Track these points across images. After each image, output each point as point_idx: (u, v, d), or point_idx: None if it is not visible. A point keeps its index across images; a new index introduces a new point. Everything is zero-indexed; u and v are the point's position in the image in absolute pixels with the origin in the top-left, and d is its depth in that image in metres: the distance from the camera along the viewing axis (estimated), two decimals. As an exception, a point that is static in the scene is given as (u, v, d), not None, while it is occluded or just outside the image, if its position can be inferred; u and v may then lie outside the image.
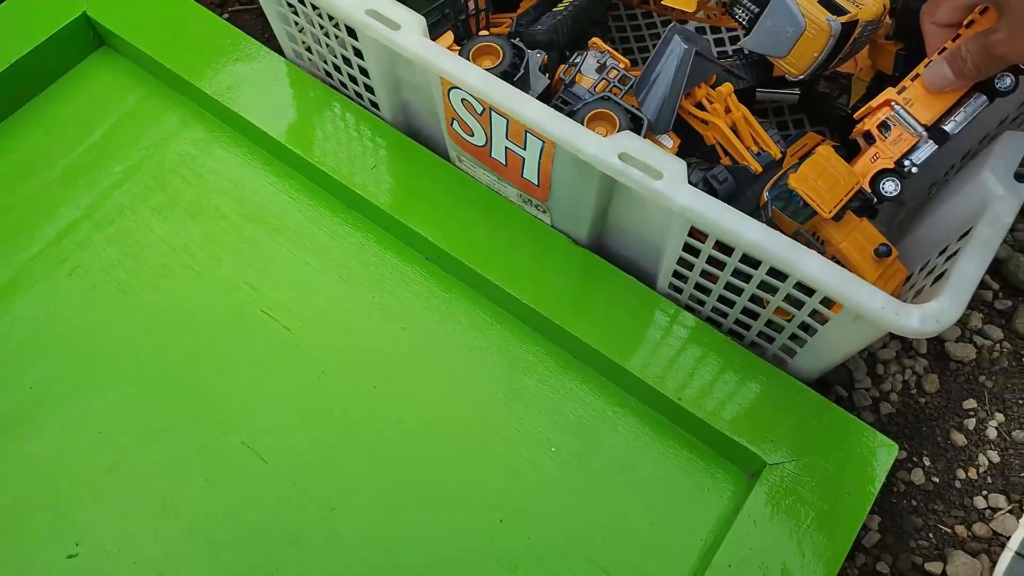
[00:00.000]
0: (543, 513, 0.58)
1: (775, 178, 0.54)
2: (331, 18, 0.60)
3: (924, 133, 0.52)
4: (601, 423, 0.61)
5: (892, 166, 0.52)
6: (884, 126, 0.53)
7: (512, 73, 0.57)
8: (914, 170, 0.52)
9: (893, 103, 0.53)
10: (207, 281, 0.65)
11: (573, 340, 0.61)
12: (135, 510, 0.57)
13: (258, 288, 0.65)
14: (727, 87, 0.56)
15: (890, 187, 0.51)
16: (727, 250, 0.52)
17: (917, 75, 0.54)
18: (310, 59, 0.70)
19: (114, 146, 0.72)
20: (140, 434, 0.59)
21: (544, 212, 0.63)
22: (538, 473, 0.59)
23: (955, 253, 0.49)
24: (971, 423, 0.65)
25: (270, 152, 0.71)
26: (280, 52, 0.73)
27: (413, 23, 0.54)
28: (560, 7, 0.64)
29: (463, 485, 0.58)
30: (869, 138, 0.54)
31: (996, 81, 0.53)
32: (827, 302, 0.50)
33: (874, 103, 0.54)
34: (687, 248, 0.54)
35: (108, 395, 0.61)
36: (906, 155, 0.52)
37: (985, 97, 0.53)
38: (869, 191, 0.52)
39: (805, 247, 0.47)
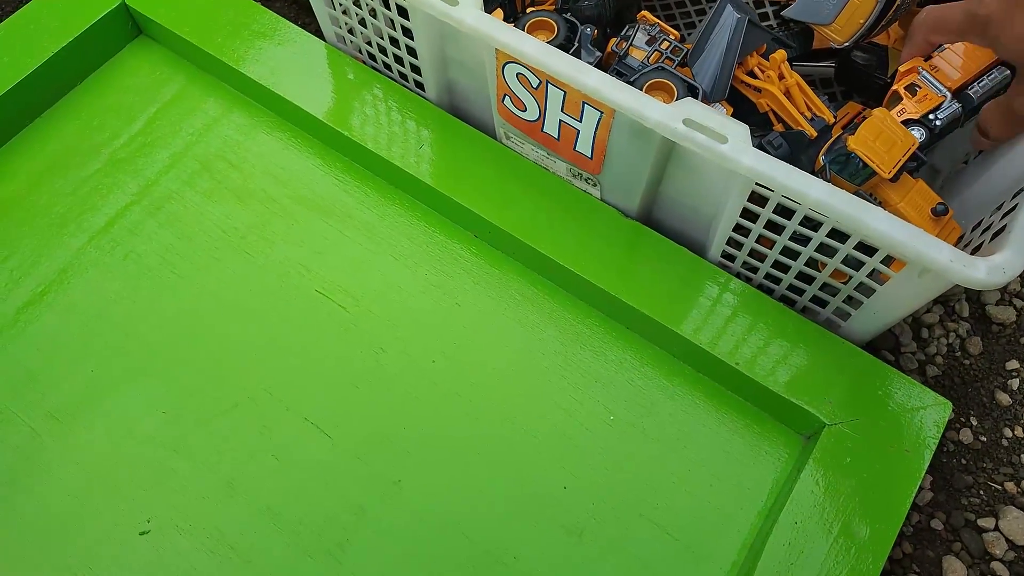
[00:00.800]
0: (605, 480, 0.59)
1: (830, 142, 0.55)
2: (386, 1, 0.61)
3: (948, 94, 0.54)
4: (657, 391, 0.62)
5: (917, 118, 0.54)
6: (911, 88, 0.55)
7: (566, 47, 0.58)
8: (938, 123, 0.53)
9: (920, 68, 0.56)
10: (260, 263, 0.66)
11: (627, 310, 0.62)
12: (203, 487, 0.57)
13: (312, 269, 0.65)
14: (781, 54, 0.57)
15: (915, 134, 0.53)
16: (786, 214, 0.53)
17: (944, 47, 0.56)
18: (352, 41, 0.71)
19: (158, 134, 0.72)
20: (203, 414, 0.60)
21: (594, 186, 0.64)
22: (598, 441, 0.60)
23: (1012, 209, 0.50)
24: (1015, 383, 0.66)
25: (314, 135, 0.71)
26: (319, 36, 0.73)
27: (470, -1, 0.54)
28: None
29: (525, 456, 0.59)
30: (897, 98, 0.56)
31: None
32: (887, 261, 0.51)
33: (902, 68, 0.57)
34: (745, 214, 0.55)
35: (169, 376, 0.61)
36: (931, 111, 0.54)
37: (1008, 71, 0.55)
38: None
39: (870, 203, 0.48)
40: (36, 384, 0.61)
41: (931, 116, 0.54)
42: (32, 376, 0.61)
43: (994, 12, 0.45)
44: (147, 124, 0.72)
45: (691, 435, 0.60)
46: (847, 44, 0.58)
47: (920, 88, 0.55)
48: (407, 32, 0.62)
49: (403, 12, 0.60)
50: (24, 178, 0.69)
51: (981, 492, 0.62)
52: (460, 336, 0.63)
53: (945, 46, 0.57)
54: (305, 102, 0.69)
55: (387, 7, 0.61)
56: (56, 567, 0.54)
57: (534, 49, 0.52)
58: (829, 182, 0.54)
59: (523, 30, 0.57)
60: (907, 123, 0.54)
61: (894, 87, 0.56)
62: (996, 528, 0.61)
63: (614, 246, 0.63)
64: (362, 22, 0.67)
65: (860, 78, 0.69)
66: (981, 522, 0.61)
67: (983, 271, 0.45)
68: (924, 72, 0.55)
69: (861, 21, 0.57)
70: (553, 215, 0.64)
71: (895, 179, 0.52)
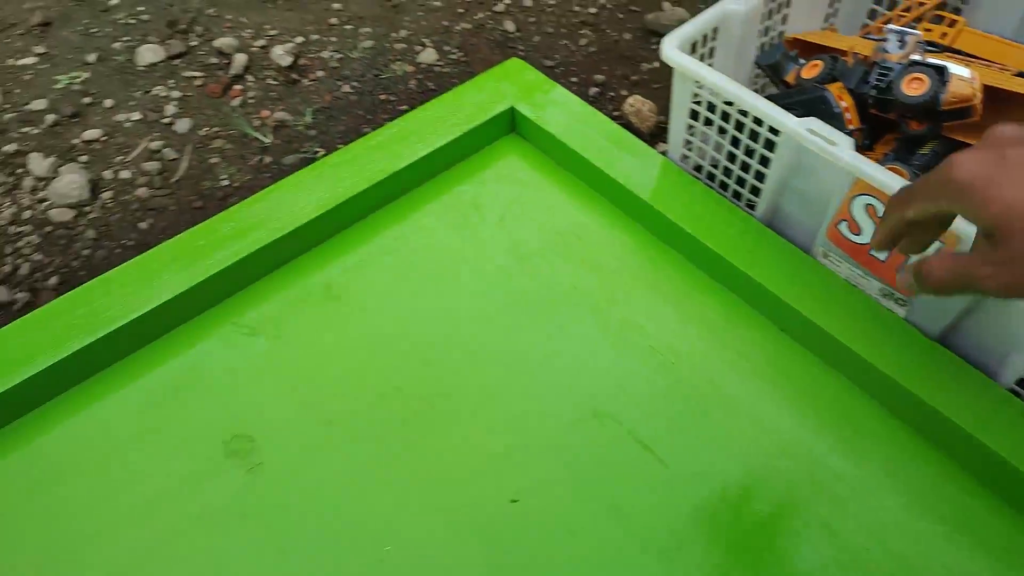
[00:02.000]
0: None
1: None
2: (753, 133, 0.77)
3: None
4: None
5: None
6: None
7: (911, 190, 0.71)
8: None
9: None
10: (603, 320, 0.81)
11: (926, 411, 0.71)
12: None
13: (644, 328, 0.80)
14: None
15: None
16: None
17: None
18: (689, 159, 0.88)
19: (523, 208, 0.91)
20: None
21: (902, 306, 0.75)
22: None
23: None
24: None
25: (650, 230, 0.87)
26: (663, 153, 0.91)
27: (846, 141, 0.70)
28: (924, 150, 0.80)
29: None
30: None
31: None
32: None
33: None
34: (1060, 347, 0.65)
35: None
36: None
37: None
38: None
39: None
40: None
41: None
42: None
43: (976, 178, 0.42)
44: (514, 198, 0.91)
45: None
46: None
47: None
48: (764, 161, 0.78)
49: (769, 145, 0.77)
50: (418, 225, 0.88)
51: None
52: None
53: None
54: (649, 198, 0.85)
55: (755, 140, 0.78)
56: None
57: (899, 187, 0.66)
58: None
59: (881, 171, 0.71)
60: None
61: None
62: None
63: (913, 360, 0.73)
64: (718, 147, 0.83)
65: None
66: None
67: None
68: None
69: None
70: (859, 325, 0.75)
71: None
